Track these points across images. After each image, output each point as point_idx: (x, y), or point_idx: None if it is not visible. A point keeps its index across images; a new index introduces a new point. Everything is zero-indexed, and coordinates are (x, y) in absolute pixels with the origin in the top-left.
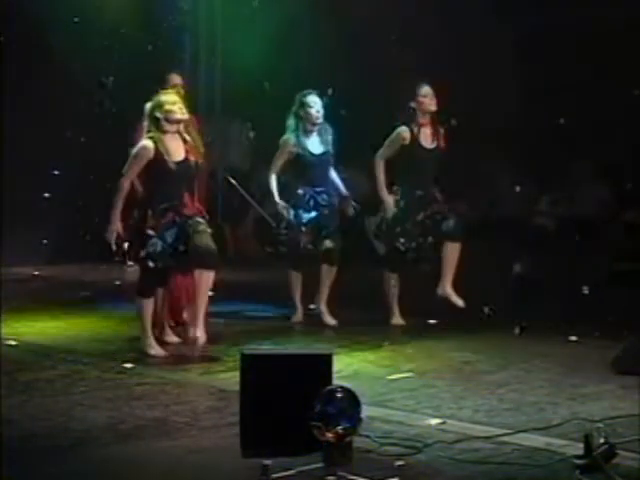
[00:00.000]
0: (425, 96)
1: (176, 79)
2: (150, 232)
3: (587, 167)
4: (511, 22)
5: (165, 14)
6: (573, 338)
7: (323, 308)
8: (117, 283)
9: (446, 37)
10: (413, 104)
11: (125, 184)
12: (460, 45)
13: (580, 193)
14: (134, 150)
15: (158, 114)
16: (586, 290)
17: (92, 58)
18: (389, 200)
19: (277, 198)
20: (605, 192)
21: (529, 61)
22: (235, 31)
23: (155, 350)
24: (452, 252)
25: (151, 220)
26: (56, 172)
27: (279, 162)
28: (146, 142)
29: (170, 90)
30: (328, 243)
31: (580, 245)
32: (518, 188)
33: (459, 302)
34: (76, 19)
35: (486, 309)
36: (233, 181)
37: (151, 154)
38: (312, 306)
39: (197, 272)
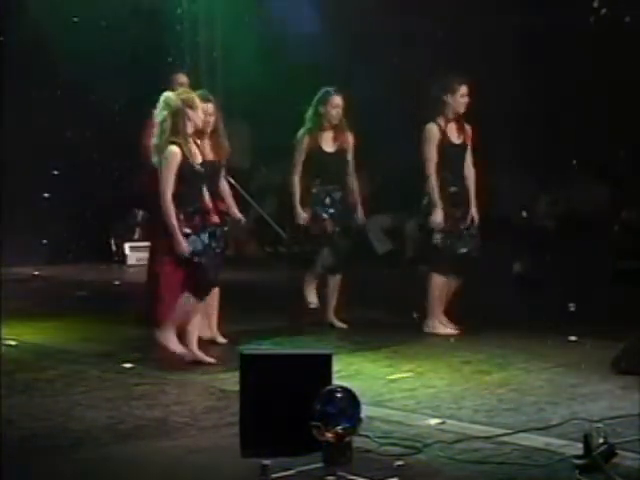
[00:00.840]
0: (463, 95)
1: (182, 79)
2: (188, 230)
3: (587, 167)
4: (511, 22)
5: (165, 13)
6: (573, 338)
7: (332, 318)
8: (116, 283)
9: (446, 36)
10: (448, 99)
11: (168, 200)
12: (460, 44)
13: (580, 193)
14: (163, 161)
15: (192, 113)
16: (572, 307)
17: (92, 58)
18: (436, 217)
19: (299, 208)
20: (605, 191)
21: (529, 61)
22: (236, 29)
23: (174, 345)
24: (450, 288)
25: (184, 222)
26: (56, 172)
27: (299, 162)
28: (172, 148)
29: (184, 90)
30: (334, 251)
31: (580, 245)
32: (525, 214)
33: (453, 331)
34: (76, 19)
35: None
36: (233, 181)
37: (179, 158)
38: (312, 306)
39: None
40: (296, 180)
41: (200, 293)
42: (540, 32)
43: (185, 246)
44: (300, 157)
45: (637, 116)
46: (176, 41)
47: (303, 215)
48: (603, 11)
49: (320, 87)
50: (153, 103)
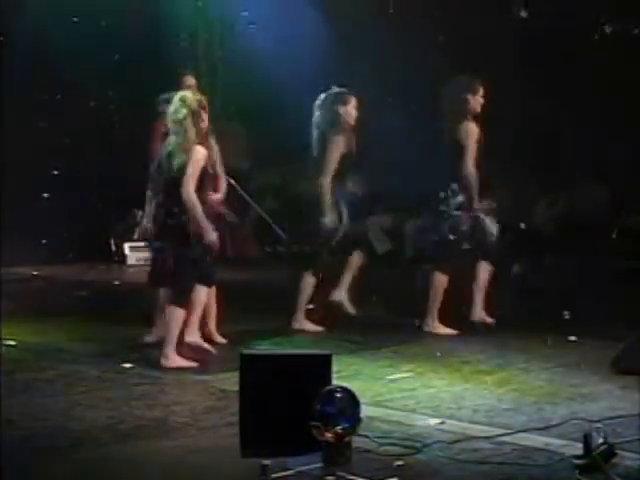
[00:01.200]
0: (482, 96)
1: (190, 81)
2: None
3: (587, 167)
4: (512, 23)
5: (166, 13)
6: (573, 338)
7: (343, 297)
8: (116, 283)
9: (447, 36)
10: (470, 98)
11: (192, 191)
12: (461, 44)
13: (580, 194)
14: (193, 160)
15: (204, 115)
16: (567, 315)
17: (92, 59)
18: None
19: (328, 213)
20: (605, 193)
21: (529, 62)
22: (236, 30)
23: (181, 363)
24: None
25: None
26: (56, 172)
27: (334, 164)
28: (200, 148)
29: (191, 92)
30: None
31: (580, 245)
32: (523, 225)
33: (453, 331)
34: (76, 19)
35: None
36: (232, 181)
37: (205, 160)
38: (310, 305)
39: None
40: (328, 182)
41: (179, 299)
42: (541, 33)
43: (213, 234)
44: (336, 158)
45: (637, 116)
46: (176, 42)
47: (327, 221)
48: (607, 28)
49: (320, 88)
50: (154, 104)
